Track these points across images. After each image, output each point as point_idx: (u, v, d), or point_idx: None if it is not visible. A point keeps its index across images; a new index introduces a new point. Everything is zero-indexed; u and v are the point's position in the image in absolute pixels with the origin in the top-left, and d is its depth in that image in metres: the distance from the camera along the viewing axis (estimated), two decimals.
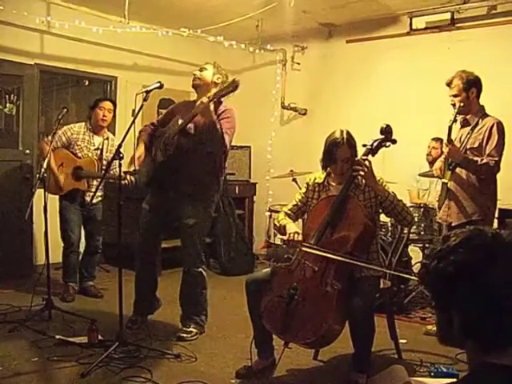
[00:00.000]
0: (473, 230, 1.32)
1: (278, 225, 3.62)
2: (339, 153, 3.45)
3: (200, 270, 4.28)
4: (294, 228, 3.47)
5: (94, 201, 5.16)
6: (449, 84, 4.13)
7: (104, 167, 5.22)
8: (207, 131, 4.00)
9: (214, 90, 4.15)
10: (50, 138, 5.02)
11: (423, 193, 5.97)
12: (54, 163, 5.03)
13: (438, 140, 5.61)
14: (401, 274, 3.59)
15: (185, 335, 4.17)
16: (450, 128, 4.02)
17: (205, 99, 3.93)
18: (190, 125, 4.11)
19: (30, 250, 5.94)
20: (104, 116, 5.25)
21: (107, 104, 5.31)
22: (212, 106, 3.92)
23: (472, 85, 4.08)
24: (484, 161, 3.94)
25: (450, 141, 4.01)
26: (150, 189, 4.41)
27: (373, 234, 3.46)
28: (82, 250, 5.46)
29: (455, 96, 4.10)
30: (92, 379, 3.38)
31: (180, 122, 4.16)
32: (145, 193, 4.50)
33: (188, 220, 4.18)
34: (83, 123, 5.33)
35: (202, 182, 4.20)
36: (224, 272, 6.57)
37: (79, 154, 5.21)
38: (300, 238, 3.38)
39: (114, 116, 5.56)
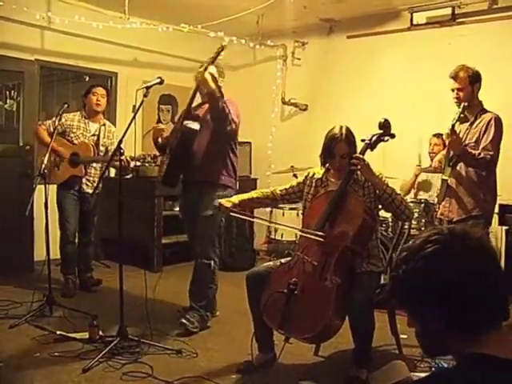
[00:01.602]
0: (431, 229, 1.41)
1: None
2: (337, 148, 3.46)
3: (210, 262, 4.33)
4: (237, 198, 3.66)
5: (90, 191, 5.18)
6: (454, 77, 4.07)
7: (101, 153, 5.23)
8: (212, 108, 4.07)
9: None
10: (46, 122, 5.10)
11: (422, 186, 5.98)
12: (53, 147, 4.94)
13: (440, 136, 5.60)
14: None
15: (187, 323, 4.19)
16: (453, 126, 3.98)
17: (199, 73, 4.04)
18: (198, 112, 4.23)
19: (30, 245, 5.94)
20: (98, 101, 5.26)
21: (100, 90, 5.31)
22: (209, 76, 3.97)
23: (477, 79, 4.05)
24: (481, 155, 3.93)
25: (453, 131, 3.96)
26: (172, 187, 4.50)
27: (372, 228, 3.46)
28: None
29: (460, 90, 4.06)
30: (93, 375, 3.39)
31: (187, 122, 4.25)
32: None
33: (206, 212, 4.26)
34: (78, 112, 5.34)
35: (218, 174, 4.30)
36: (224, 267, 6.56)
37: (75, 142, 5.21)
38: (228, 204, 3.53)
39: (109, 103, 5.54)
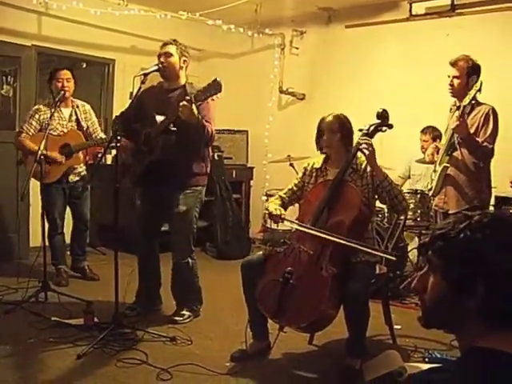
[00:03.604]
0: (499, 212, 1.33)
1: (266, 206, 3.72)
2: (325, 123, 3.54)
3: (187, 260, 4.26)
4: (275, 205, 3.57)
5: (77, 178, 5.14)
6: (453, 64, 4.10)
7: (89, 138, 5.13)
8: (192, 129, 3.88)
9: (182, 74, 4.14)
10: (23, 127, 4.98)
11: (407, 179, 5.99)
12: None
13: (428, 130, 5.57)
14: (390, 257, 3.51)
15: (178, 318, 4.19)
16: (464, 107, 3.98)
17: (186, 103, 3.69)
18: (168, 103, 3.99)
19: (26, 231, 5.94)
20: (64, 86, 4.95)
21: (64, 73, 4.99)
22: (195, 108, 3.73)
23: (475, 72, 4.06)
24: (484, 143, 3.96)
25: (462, 114, 3.97)
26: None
27: (368, 219, 3.47)
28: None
29: (456, 77, 4.08)
30: (88, 361, 3.40)
31: (158, 118, 3.99)
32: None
33: (179, 208, 4.15)
34: (47, 101, 5.13)
35: (190, 171, 4.17)
36: (220, 256, 6.59)
37: (55, 134, 4.96)
38: (279, 212, 3.46)
39: (76, 83, 5.14)
